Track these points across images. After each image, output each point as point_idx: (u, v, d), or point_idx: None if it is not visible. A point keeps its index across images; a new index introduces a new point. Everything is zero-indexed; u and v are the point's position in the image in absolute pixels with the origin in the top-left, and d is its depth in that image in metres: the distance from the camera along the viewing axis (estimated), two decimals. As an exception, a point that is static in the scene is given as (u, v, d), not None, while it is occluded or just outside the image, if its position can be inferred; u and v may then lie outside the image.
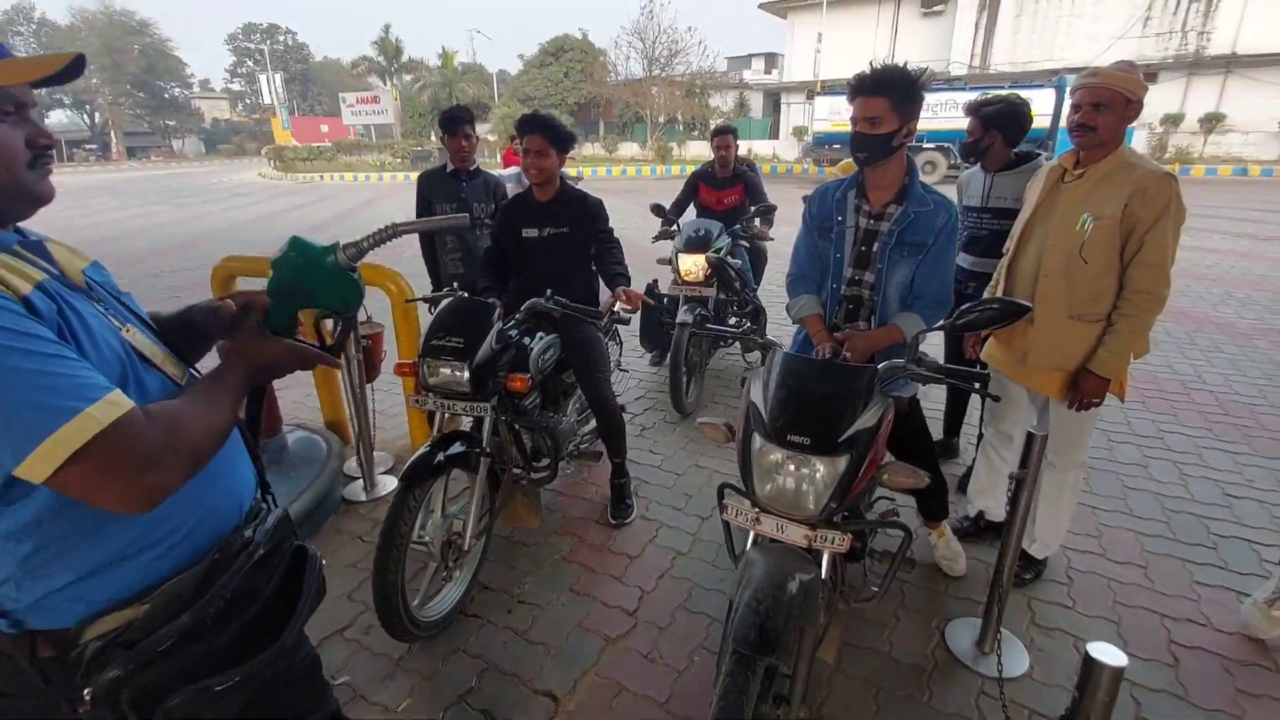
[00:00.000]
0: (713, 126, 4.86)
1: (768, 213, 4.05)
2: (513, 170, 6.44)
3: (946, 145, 17.28)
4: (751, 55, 38.39)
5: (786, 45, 28.69)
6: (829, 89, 20.89)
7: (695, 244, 3.87)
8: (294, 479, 2.85)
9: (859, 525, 1.67)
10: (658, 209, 4.37)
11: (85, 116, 51.54)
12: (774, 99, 31.05)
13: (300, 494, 2.72)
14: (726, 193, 4.31)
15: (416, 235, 3.08)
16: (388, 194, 18.51)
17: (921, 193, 1.90)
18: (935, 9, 24.50)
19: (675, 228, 4.23)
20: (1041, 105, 17.00)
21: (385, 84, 42.61)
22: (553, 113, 2.72)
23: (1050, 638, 2.16)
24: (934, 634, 2.18)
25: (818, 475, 1.37)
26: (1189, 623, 2.19)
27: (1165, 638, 2.14)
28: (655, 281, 4.30)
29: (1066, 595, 2.35)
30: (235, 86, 61.65)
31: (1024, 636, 2.16)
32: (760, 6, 28.53)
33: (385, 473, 3.16)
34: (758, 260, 4.45)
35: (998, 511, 2.63)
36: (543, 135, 2.45)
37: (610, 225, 2.70)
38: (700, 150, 30.52)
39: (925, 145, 17.48)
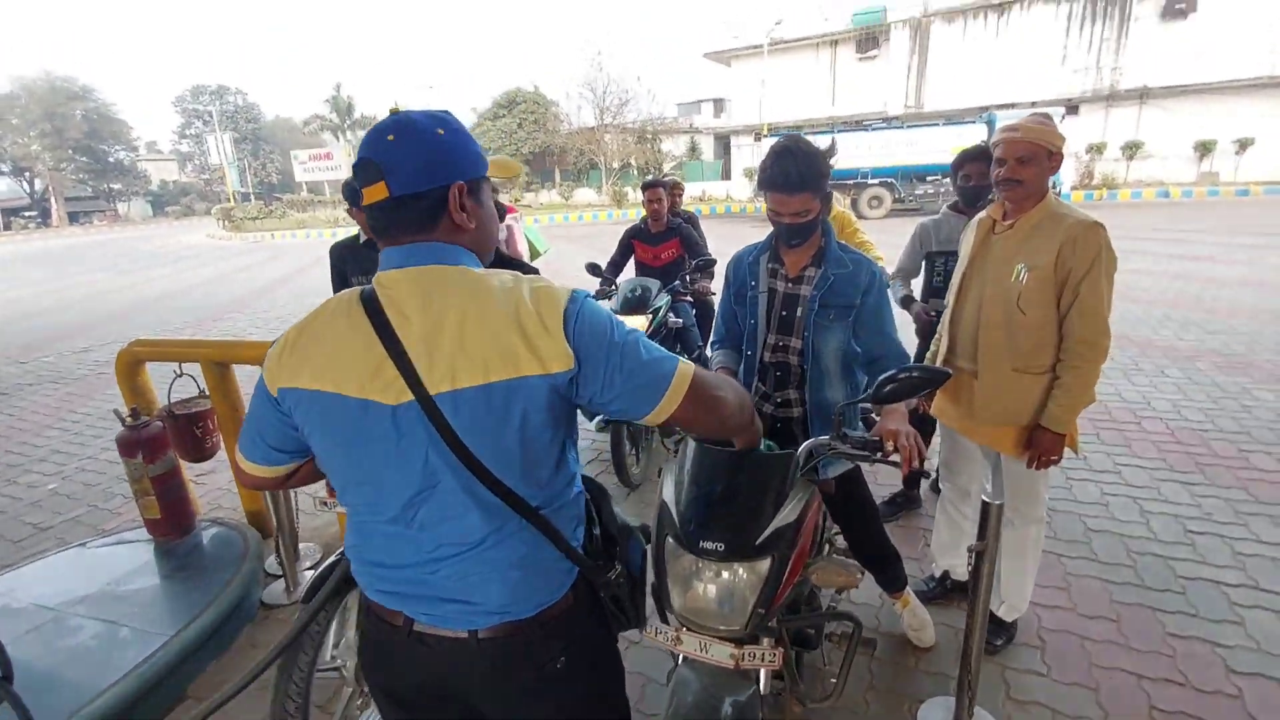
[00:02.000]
0: (643, 180, 4.77)
1: (707, 266, 3.95)
2: (512, 217, 6.42)
3: (890, 180, 17.93)
4: (700, 101, 39.69)
5: (732, 90, 29.74)
6: (774, 132, 21.62)
7: (633, 304, 3.75)
8: (205, 584, 2.57)
9: (801, 622, 1.51)
10: (594, 268, 4.22)
11: (25, 184, 50.02)
12: (724, 142, 32.00)
13: (210, 602, 2.44)
14: (662, 248, 4.23)
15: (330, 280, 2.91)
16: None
17: (839, 254, 1.82)
18: (870, 54, 25.78)
19: (613, 287, 4.11)
20: (974, 140, 17.86)
21: (338, 140, 42.60)
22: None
23: (1027, 713, 2.02)
24: (906, 718, 2.02)
25: (738, 584, 1.22)
26: (1168, 683, 2.08)
27: (1146, 703, 2.02)
28: None
29: (1040, 660, 2.22)
30: (184, 148, 60.75)
31: (1000, 713, 2.01)
32: (705, 55, 29.63)
33: (311, 567, 2.89)
34: (705, 316, 4.35)
35: (963, 571, 2.51)
36: None
37: None
38: (655, 193, 31.17)
39: (870, 181, 18.11)
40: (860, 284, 1.79)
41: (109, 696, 2.02)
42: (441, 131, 0.99)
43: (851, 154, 17.75)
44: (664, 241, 4.22)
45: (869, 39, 25.59)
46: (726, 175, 30.20)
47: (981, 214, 2.16)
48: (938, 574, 2.58)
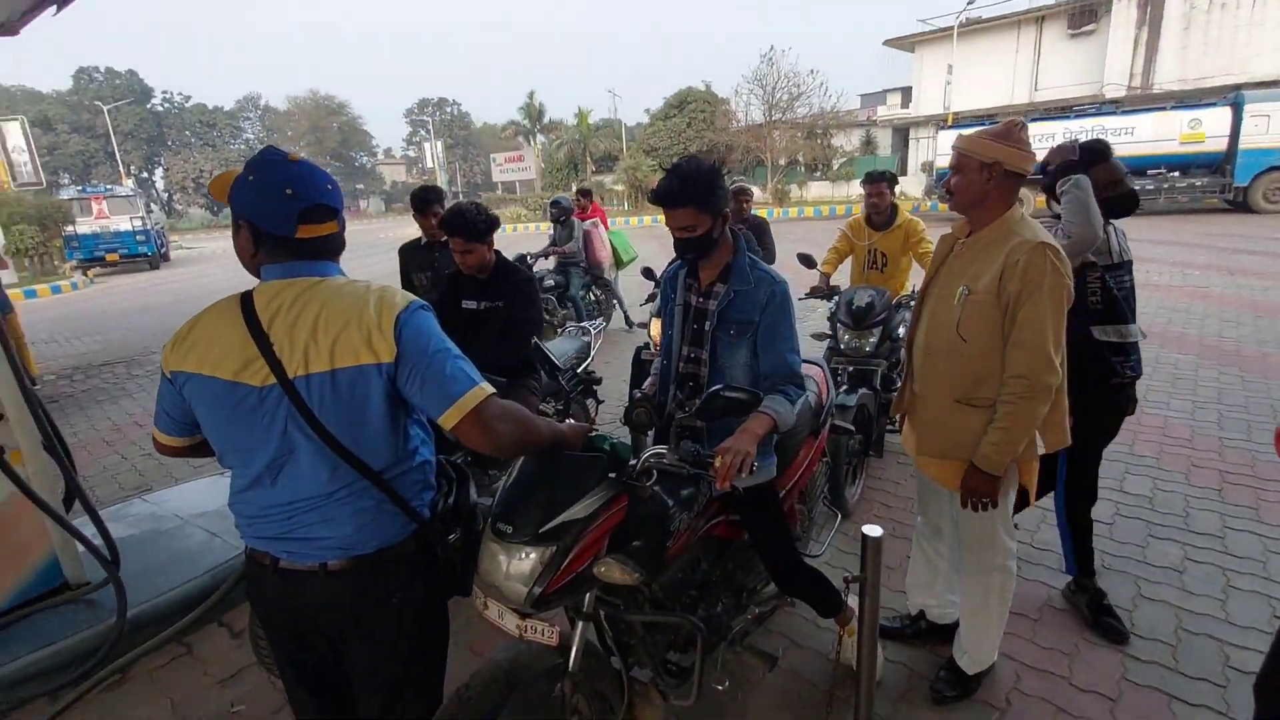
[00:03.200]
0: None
1: None
2: (590, 222, 6.92)
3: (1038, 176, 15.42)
4: (887, 90, 37.20)
5: (915, 79, 27.49)
6: (960, 122, 19.67)
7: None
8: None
9: (572, 601, 1.53)
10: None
11: (294, 184, 61.63)
12: (903, 134, 29.74)
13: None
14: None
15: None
16: (516, 242, 20.09)
17: (746, 271, 1.83)
18: (1085, 29, 22.28)
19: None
20: (1215, 126, 14.75)
21: (529, 144, 46.66)
22: (477, 203, 2.88)
23: (943, 771, 1.87)
24: (809, 745, 1.98)
25: (519, 564, 1.37)
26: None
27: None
28: (646, 346, 4.13)
29: (992, 725, 2.01)
30: (411, 153, 70.61)
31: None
32: (885, 43, 27.72)
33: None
34: None
35: (939, 613, 2.33)
36: (463, 236, 2.67)
37: (533, 306, 2.83)
38: (822, 191, 29.90)
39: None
40: (759, 301, 1.80)
41: (188, 587, 2.69)
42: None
43: (1046, 145, 15.63)
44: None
45: (1085, 12, 22.10)
46: (902, 170, 28.05)
47: (951, 229, 2.00)
48: (913, 613, 2.41)
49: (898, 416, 2.27)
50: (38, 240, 17.12)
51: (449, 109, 65.21)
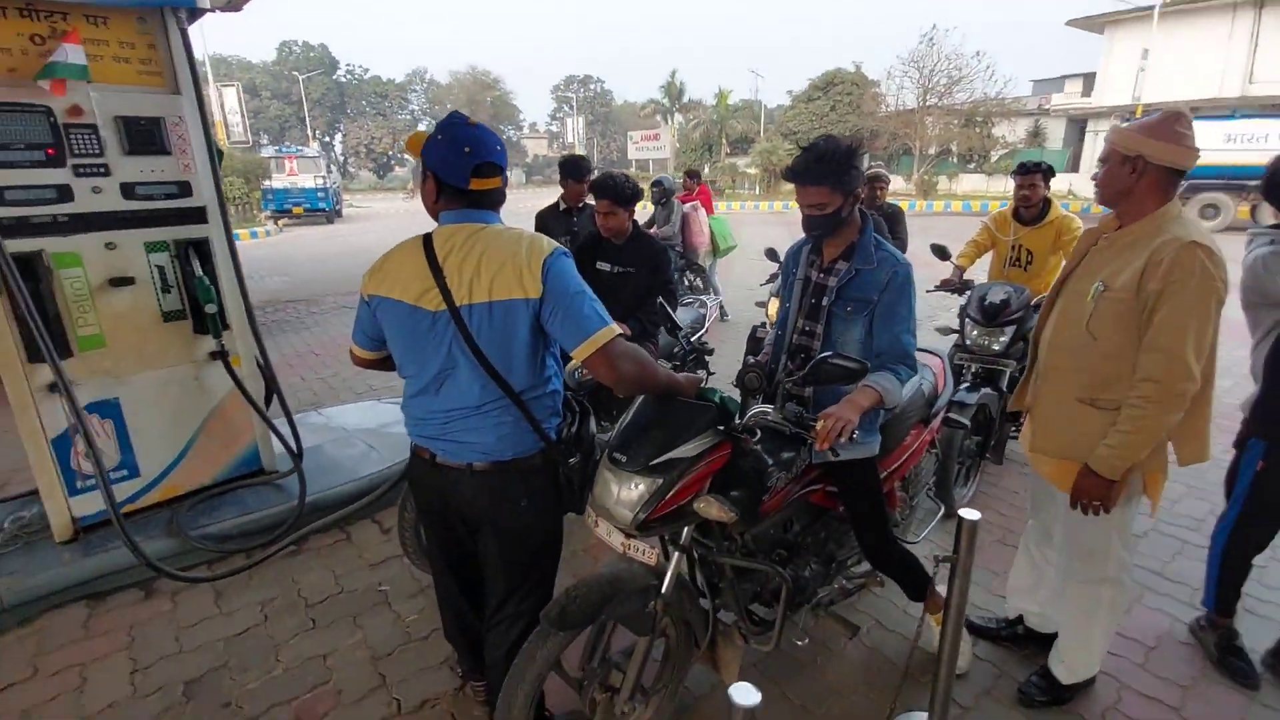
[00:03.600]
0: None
1: None
2: (690, 205, 6.94)
3: (1243, 182, 13.16)
4: (1065, 77, 33.37)
5: (1101, 64, 24.44)
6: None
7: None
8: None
9: (670, 531, 1.67)
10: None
11: (448, 154, 66.46)
12: (1079, 126, 26.62)
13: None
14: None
15: None
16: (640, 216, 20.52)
17: (870, 250, 1.87)
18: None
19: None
20: None
21: (667, 123, 46.93)
22: (626, 173, 3.08)
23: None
24: (883, 711, 2.03)
25: (629, 491, 1.55)
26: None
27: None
28: (762, 325, 4.17)
29: (1082, 737, 1.96)
30: (554, 129, 73.55)
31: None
32: (1069, 23, 24.81)
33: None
34: None
35: (1040, 620, 2.27)
36: (611, 199, 2.88)
37: (669, 275, 3.01)
38: (975, 184, 27.60)
39: (1211, 181, 13.58)
40: (880, 281, 1.85)
41: (350, 486, 3.20)
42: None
43: (1260, 147, 13.42)
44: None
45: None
46: (1074, 166, 25.17)
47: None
48: (1011, 616, 2.36)
49: (1022, 422, 2.22)
50: (243, 191, 19.98)
51: (593, 85, 66.97)
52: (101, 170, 2.55)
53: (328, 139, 57.76)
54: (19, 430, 2.56)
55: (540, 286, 1.44)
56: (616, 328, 1.48)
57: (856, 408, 1.67)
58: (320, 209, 20.83)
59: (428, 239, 1.54)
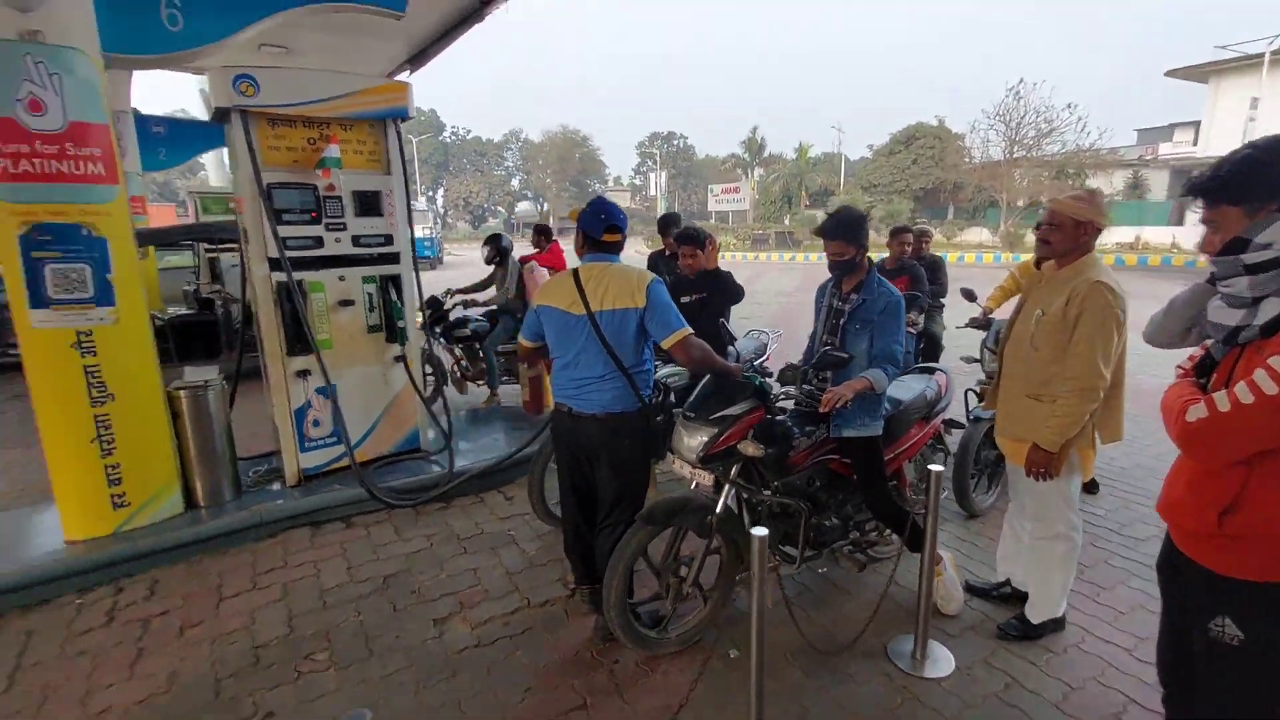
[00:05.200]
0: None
1: (914, 301, 4.43)
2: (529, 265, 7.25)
3: None
4: (1175, 125, 32.24)
5: (1205, 113, 23.67)
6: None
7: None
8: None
9: (723, 466, 2.46)
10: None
11: (539, 205, 71.04)
12: (1184, 177, 25.55)
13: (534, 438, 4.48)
14: (896, 283, 4.74)
15: None
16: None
17: (874, 286, 2.64)
18: None
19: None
20: None
21: (747, 176, 48.44)
22: (699, 226, 4.00)
23: (991, 672, 2.45)
24: (883, 636, 2.67)
25: (695, 437, 2.37)
26: None
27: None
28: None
29: (1043, 659, 2.52)
30: (638, 182, 77.24)
31: (967, 664, 2.49)
32: (1168, 73, 24.28)
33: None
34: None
35: (1023, 580, 2.85)
36: (693, 245, 3.79)
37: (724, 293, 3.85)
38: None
39: None
40: (879, 307, 2.62)
41: (486, 458, 4.16)
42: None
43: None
44: (897, 277, 4.90)
45: None
46: (1179, 219, 24.15)
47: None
48: (1000, 580, 2.94)
49: None
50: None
51: (676, 141, 70.09)
52: (342, 226, 3.73)
53: (431, 194, 63.25)
54: (272, 402, 3.70)
55: (645, 300, 2.34)
56: (689, 329, 2.34)
57: (851, 388, 2.44)
58: (426, 256, 23.37)
59: (576, 271, 2.47)
